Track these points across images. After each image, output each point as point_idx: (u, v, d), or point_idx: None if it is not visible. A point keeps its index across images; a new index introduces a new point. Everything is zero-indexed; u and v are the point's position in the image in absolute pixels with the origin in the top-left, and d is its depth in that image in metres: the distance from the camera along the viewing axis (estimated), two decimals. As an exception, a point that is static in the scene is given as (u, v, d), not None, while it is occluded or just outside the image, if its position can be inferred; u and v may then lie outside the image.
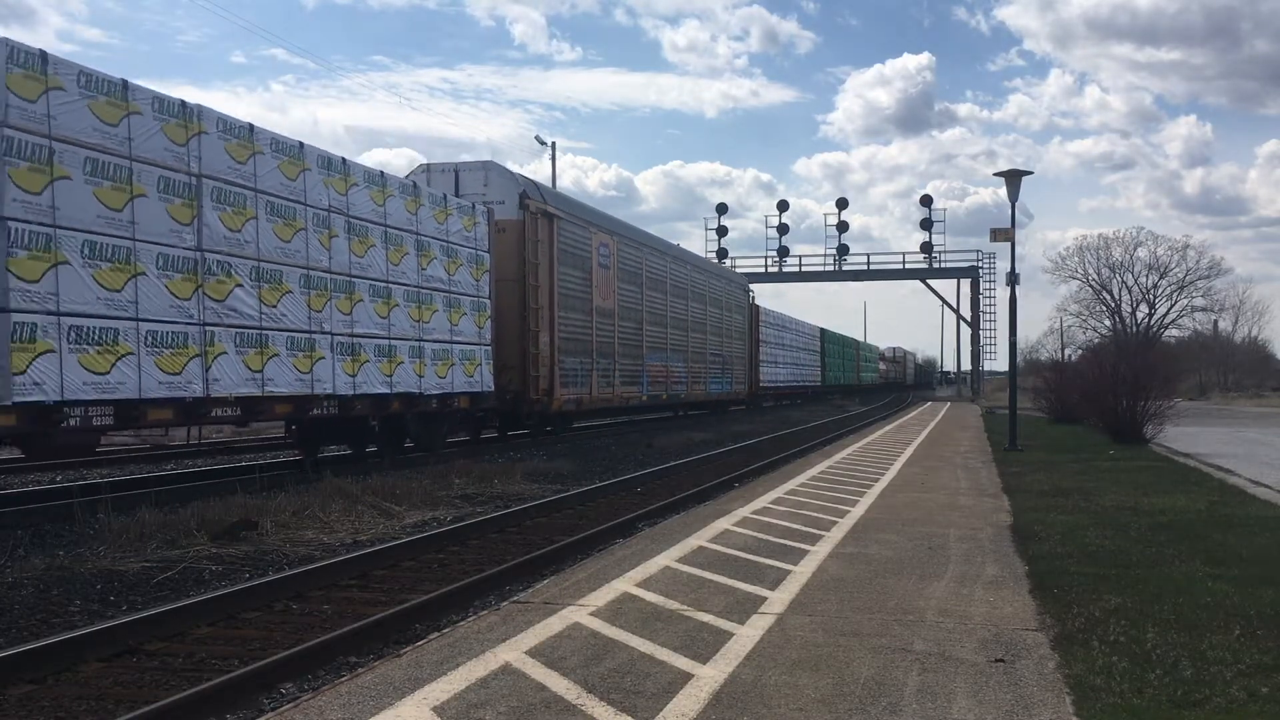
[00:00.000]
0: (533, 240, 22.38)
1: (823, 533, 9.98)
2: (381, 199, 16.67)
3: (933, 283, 70.17)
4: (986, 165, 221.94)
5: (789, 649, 5.87)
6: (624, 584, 7.54)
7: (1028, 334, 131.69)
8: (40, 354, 10.67)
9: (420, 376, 17.60)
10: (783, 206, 71.22)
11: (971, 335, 70.11)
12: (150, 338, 12.03)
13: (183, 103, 12.73)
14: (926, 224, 67.62)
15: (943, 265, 68.39)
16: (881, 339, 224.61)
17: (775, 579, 7.76)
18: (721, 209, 71.95)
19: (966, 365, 76.58)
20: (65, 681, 6.19)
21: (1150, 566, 8.39)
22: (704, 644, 5.94)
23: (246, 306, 13.55)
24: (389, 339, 16.71)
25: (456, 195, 20.64)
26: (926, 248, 67.57)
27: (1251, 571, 8.14)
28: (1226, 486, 14.52)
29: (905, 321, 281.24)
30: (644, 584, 7.55)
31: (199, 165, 12.86)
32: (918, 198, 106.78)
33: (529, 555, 9.91)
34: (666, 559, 8.51)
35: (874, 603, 7.05)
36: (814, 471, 16.24)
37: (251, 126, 13.90)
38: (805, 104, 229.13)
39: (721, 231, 70.28)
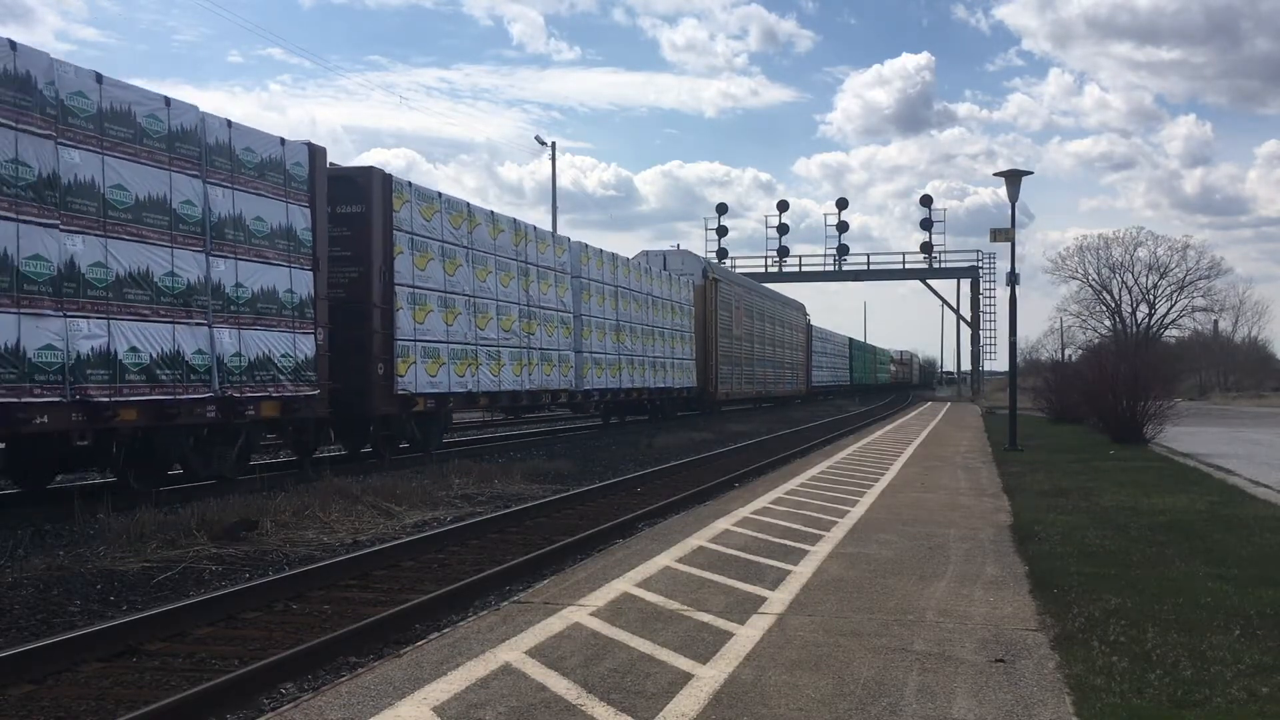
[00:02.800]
0: (710, 296, 37.69)
1: (823, 533, 9.98)
2: (661, 283, 32.68)
3: (933, 283, 70.23)
4: (986, 165, 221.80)
5: (789, 649, 5.87)
6: (624, 584, 7.54)
7: (1028, 334, 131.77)
8: (589, 368, 25.78)
9: (672, 378, 33.30)
10: (783, 206, 71.26)
11: (971, 335, 70.10)
12: (604, 360, 27.15)
13: (613, 255, 28.76)
14: (926, 224, 67.62)
15: (943, 265, 68.38)
16: (881, 339, 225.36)
17: (775, 579, 7.76)
18: (721, 209, 71.98)
19: (967, 365, 76.60)
20: (65, 681, 6.19)
21: (1150, 566, 8.39)
22: (704, 644, 5.94)
23: (631, 345, 29.27)
24: (662, 358, 32.14)
25: (665, 269, 34.82)
26: (926, 248, 67.56)
27: (1251, 571, 8.14)
28: (1226, 486, 14.52)
29: (905, 321, 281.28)
30: (644, 584, 7.55)
31: (615, 280, 28.36)
32: (917, 198, 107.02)
33: (529, 555, 9.91)
34: (666, 559, 8.51)
35: (874, 603, 7.05)
36: (814, 471, 16.24)
37: (627, 260, 30.32)
38: (804, 104, 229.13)
39: (721, 231, 70.32)
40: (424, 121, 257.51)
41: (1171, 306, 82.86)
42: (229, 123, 13.56)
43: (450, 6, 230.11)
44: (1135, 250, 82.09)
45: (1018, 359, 27.91)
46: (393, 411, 17.32)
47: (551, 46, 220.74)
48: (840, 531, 10.08)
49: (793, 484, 14.30)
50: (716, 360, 37.46)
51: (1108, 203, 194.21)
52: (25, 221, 10.43)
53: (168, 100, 12.48)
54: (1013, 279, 23.67)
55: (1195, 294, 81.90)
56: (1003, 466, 17.52)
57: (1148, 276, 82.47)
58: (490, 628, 6.34)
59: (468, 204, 20.21)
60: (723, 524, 10.43)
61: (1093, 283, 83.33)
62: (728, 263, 67.76)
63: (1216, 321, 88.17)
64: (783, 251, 69.75)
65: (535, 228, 23.44)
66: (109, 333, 11.43)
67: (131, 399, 11.75)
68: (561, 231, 32.00)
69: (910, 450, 21.16)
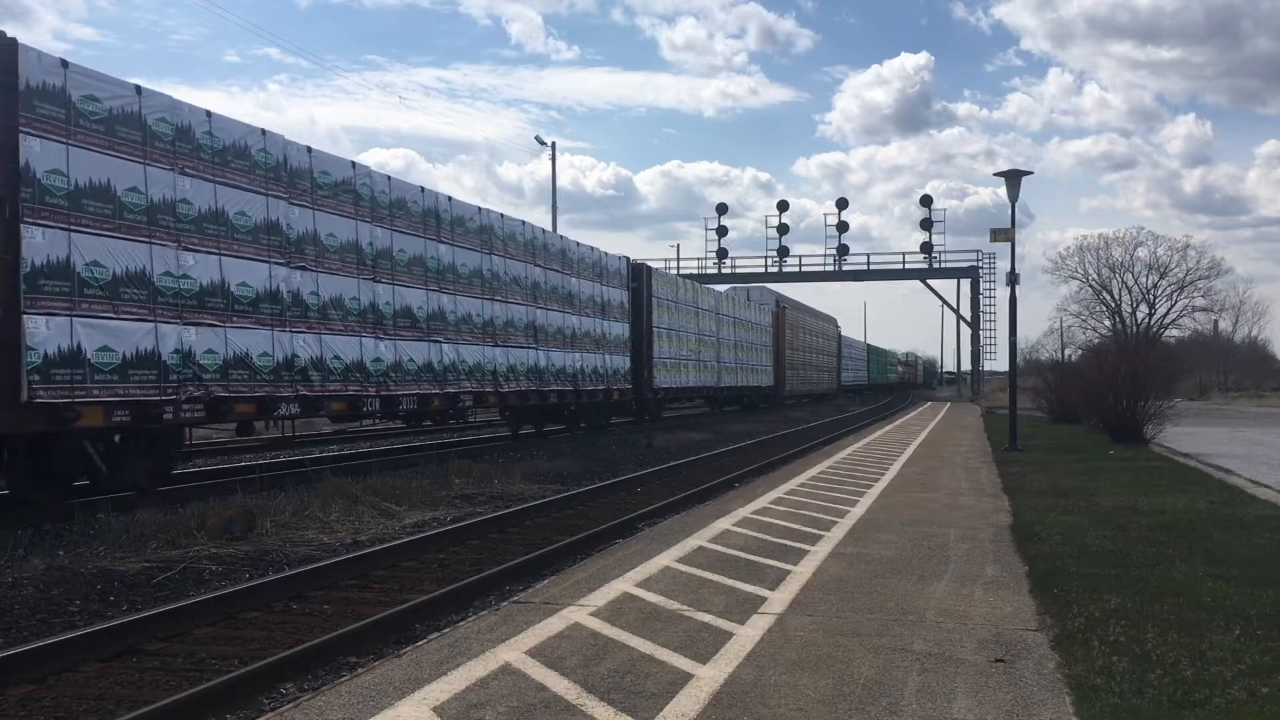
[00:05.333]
0: (780, 320, 51.76)
1: (823, 533, 9.97)
2: (754, 312, 45.86)
3: (933, 283, 70.22)
4: (986, 165, 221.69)
5: (789, 649, 5.87)
6: (624, 584, 7.54)
7: (1028, 334, 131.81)
8: (723, 373, 39.69)
9: (760, 380, 46.10)
10: (782, 206, 71.18)
11: (971, 335, 70.05)
12: (730, 367, 40.74)
13: (733, 296, 46.19)
14: (926, 224, 67.56)
15: (943, 265, 68.34)
16: (881, 339, 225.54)
17: (775, 579, 7.76)
18: (721, 209, 71.93)
19: (967, 365, 76.57)
20: (65, 681, 6.19)
21: (1150, 566, 8.39)
22: (704, 644, 5.94)
23: (741, 357, 42.53)
24: (755, 366, 45.13)
25: (749, 300, 48.95)
26: (926, 248, 67.51)
27: (1251, 571, 8.14)
28: (1226, 486, 14.52)
29: (905, 321, 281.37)
30: (644, 584, 7.55)
31: (734, 313, 42.05)
32: (917, 198, 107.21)
33: (529, 555, 9.91)
34: (666, 559, 8.51)
35: (874, 603, 7.05)
36: (814, 471, 16.24)
37: (740, 298, 47.27)
38: (803, 104, 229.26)
39: (721, 231, 70.30)
40: (422, 121, 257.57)
41: (1171, 306, 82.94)
42: (606, 253, 28.15)
43: (448, 6, 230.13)
44: (1135, 250, 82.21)
45: (1018, 359, 27.92)
46: (649, 398, 31.38)
47: (550, 46, 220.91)
48: (840, 531, 10.08)
49: (793, 484, 14.29)
50: (784, 367, 52.07)
51: (1108, 203, 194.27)
52: (551, 309, 24.11)
53: (599, 253, 27.71)
54: (1013, 279, 23.68)
55: (1195, 294, 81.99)
56: (1003, 466, 17.52)
57: (1148, 276, 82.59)
58: (490, 628, 6.34)
59: (677, 277, 38.25)
60: (723, 524, 10.43)
61: (1093, 283, 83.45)
62: (728, 263, 69.45)
63: (1216, 321, 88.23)
64: (783, 251, 69.71)
65: (700, 284, 40.24)
66: (583, 358, 25.39)
67: (585, 388, 25.69)
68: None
69: (910, 450, 21.16)
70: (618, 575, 7.85)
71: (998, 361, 73.89)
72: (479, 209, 20.97)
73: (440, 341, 18.78)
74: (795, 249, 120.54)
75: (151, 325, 12.19)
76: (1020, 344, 50.97)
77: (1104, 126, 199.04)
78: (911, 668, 5.53)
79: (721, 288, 55.09)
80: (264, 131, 14.47)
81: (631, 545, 9.41)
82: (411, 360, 17.68)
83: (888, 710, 4.86)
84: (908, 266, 68.72)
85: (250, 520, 10.96)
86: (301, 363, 14.86)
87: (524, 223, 23.05)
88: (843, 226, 68.60)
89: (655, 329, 31.08)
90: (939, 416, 39.34)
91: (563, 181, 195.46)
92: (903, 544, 9.38)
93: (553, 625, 6.35)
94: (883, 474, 15.96)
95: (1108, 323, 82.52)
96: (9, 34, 10.78)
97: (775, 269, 69.83)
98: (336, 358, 15.70)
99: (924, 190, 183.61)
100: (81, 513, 11.26)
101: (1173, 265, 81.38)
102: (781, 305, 54.98)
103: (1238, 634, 6.22)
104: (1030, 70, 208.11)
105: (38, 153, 10.96)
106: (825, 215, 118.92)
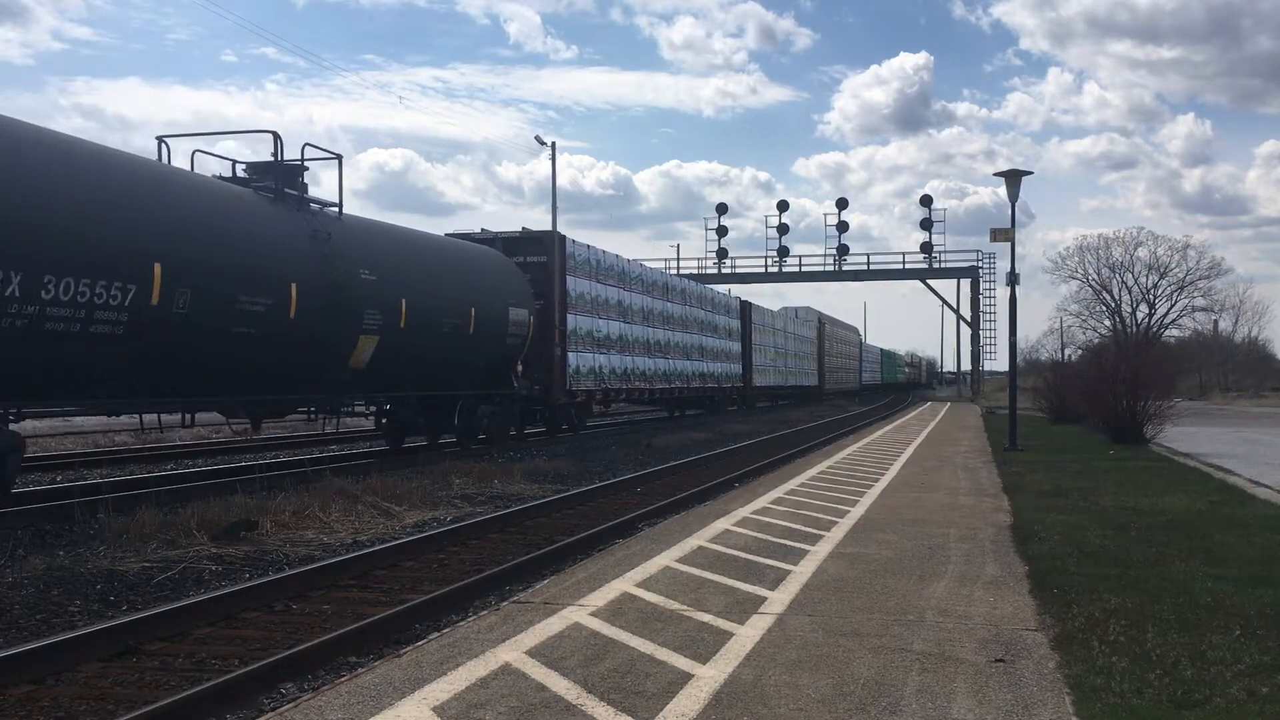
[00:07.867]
0: (820, 333, 65.09)
1: (823, 533, 9.98)
2: (805, 327, 61.88)
3: (933, 283, 70.29)
4: (986, 165, 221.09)
5: (789, 649, 5.87)
6: (624, 584, 7.54)
7: (1028, 334, 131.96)
8: (789, 375, 56.81)
9: (809, 380, 61.46)
10: (782, 206, 71.39)
11: (971, 335, 70.12)
12: (794, 370, 57.93)
13: (795, 318, 60.91)
14: (926, 224, 67.66)
15: (943, 265, 68.42)
16: (882, 339, 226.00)
17: (775, 579, 7.76)
18: (721, 209, 72.05)
19: (967, 365, 76.60)
20: (65, 681, 6.19)
21: (1150, 566, 8.39)
22: (704, 644, 5.94)
23: (800, 364, 59.26)
24: (807, 370, 61.23)
25: (796, 316, 61.57)
26: (926, 248, 67.60)
27: (1251, 571, 8.14)
28: (1226, 486, 14.52)
29: (905, 321, 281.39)
30: (644, 584, 7.55)
31: (798, 331, 59.61)
32: (917, 198, 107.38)
33: (529, 555, 9.91)
34: (666, 559, 8.51)
35: (874, 603, 7.05)
36: (814, 471, 16.24)
37: (801, 318, 62.56)
38: (803, 103, 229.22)
39: (721, 231, 70.41)
40: (420, 121, 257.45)
41: (1171, 306, 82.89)
42: (730, 295, 45.87)
43: (445, 5, 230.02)
44: (1135, 250, 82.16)
45: (1018, 359, 27.93)
46: (749, 394, 46.26)
47: (548, 45, 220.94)
48: (840, 531, 10.08)
49: (793, 484, 14.30)
50: (824, 370, 65.10)
51: (1108, 202, 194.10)
52: (707, 336, 39.62)
53: (727, 296, 45.32)
54: (1013, 279, 23.67)
55: (1195, 294, 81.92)
56: (1003, 466, 17.52)
57: (1148, 276, 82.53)
58: (490, 628, 6.34)
59: (765, 309, 50.51)
60: (723, 524, 10.43)
61: (1093, 283, 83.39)
62: (728, 263, 70.09)
63: (1216, 321, 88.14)
64: (783, 251, 69.82)
65: (776, 312, 54.45)
66: (721, 366, 40.91)
67: (723, 386, 41.51)
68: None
69: (910, 450, 21.16)
70: (617, 575, 7.85)
71: (998, 361, 74.14)
72: (679, 276, 40.59)
73: (669, 359, 33.59)
74: (795, 249, 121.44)
75: (591, 355, 26.77)
76: (1020, 344, 51.53)
77: (1104, 126, 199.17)
78: (911, 668, 5.53)
79: (776, 306, 62.32)
80: (617, 256, 29.87)
81: (631, 545, 9.41)
82: (658, 369, 32.38)
83: (888, 710, 4.86)
84: (908, 266, 68.81)
85: (250, 520, 10.95)
86: (626, 372, 29.61)
87: (696, 283, 41.04)
88: (842, 226, 68.79)
89: (753, 345, 46.08)
90: (939, 417, 39.35)
91: (562, 181, 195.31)
92: (903, 544, 9.38)
93: (553, 625, 6.36)
94: (883, 474, 15.96)
95: (1108, 323, 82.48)
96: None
97: (775, 269, 69.92)
98: (636, 369, 30.50)
99: (924, 190, 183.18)
100: (81, 513, 11.27)
101: (1173, 265, 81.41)
102: (822, 320, 67.43)
103: (1238, 634, 6.22)
104: (1030, 70, 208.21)
105: (569, 282, 25.40)
106: (825, 215, 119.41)
